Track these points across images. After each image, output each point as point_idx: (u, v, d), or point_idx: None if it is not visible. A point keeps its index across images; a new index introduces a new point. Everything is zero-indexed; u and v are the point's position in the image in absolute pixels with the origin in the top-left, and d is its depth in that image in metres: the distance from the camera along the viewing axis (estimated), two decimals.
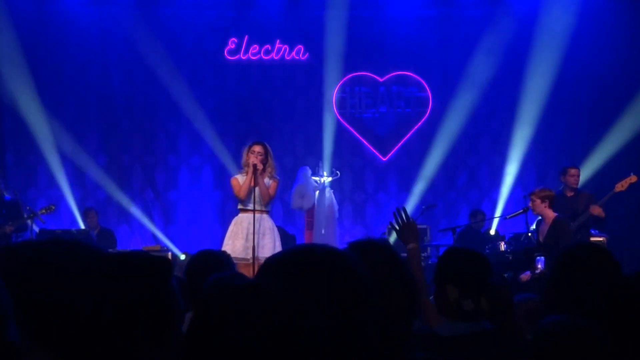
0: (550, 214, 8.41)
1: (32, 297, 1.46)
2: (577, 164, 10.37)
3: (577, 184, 9.52)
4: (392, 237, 8.14)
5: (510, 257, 9.13)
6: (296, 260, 1.59)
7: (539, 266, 8.11)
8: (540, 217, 8.67)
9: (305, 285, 1.51)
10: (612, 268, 2.97)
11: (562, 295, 2.95)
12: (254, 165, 7.85)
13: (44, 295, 1.51)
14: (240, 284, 1.43)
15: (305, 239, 11.04)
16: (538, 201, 8.46)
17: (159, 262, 1.55)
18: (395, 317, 1.94)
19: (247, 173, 7.96)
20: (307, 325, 1.38)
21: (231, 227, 8.11)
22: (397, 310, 1.96)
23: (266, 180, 7.99)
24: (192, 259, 4.22)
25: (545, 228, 8.43)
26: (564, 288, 2.95)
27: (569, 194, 9.45)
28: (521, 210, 9.17)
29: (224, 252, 4.77)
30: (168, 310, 1.49)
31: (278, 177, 8.19)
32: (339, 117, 12.55)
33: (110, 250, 8.03)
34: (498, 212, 11.89)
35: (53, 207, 10.33)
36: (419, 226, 11.54)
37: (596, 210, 9.04)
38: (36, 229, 10.40)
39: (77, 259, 1.57)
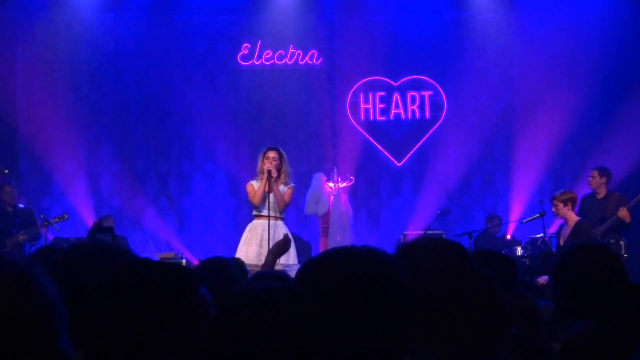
0: (574, 217, 8.32)
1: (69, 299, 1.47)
2: (593, 166, 10.24)
3: (597, 185, 9.39)
4: None
5: (527, 262, 9.07)
6: (332, 264, 1.55)
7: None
8: (563, 221, 8.58)
9: (342, 290, 1.47)
10: (611, 266, 2.87)
11: (569, 299, 2.87)
12: (268, 172, 7.81)
13: (79, 298, 1.53)
14: (263, 289, 1.41)
15: (320, 245, 10.97)
16: (560, 205, 8.36)
17: (185, 275, 1.58)
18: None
19: (262, 179, 7.93)
20: (339, 331, 1.34)
21: (245, 234, 8.06)
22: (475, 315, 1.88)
23: (281, 187, 7.95)
24: (199, 267, 4.04)
25: (567, 232, 8.33)
26: (567, 291, 2.87)
27: (600, 196, 9.32)
28: (538, 215, 9.11)
29: (237, 260, 4.71)
30: (192, 321, 1.52)
31: (293, 184, 8.14)
32: (353, 122, 12.49)
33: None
34: (514, 216, 11.79)
35: (66, 216, 10.32)
36: (434, 231, 11.51)
37: (622, 212, 8.91)
38: (50, 237, 10.39)
39: (107, 266, 1.61)
